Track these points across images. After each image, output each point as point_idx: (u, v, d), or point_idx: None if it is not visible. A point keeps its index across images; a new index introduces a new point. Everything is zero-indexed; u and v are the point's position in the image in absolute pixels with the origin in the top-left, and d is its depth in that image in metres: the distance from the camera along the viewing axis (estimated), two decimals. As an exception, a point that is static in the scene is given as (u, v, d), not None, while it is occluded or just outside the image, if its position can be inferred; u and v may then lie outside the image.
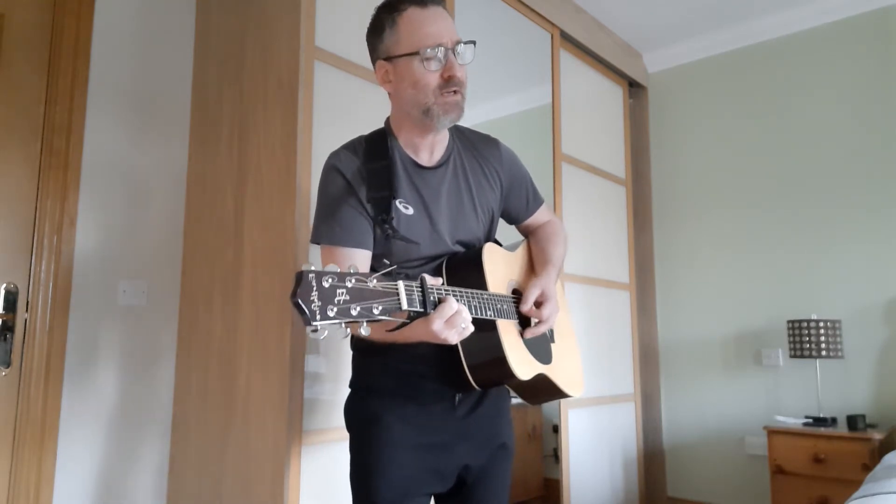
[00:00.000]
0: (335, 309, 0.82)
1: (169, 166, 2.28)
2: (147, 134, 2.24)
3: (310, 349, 1.85)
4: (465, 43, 1.23)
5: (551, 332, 1.44)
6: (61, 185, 2.00)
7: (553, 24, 3.05)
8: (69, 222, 2.01)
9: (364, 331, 0.86)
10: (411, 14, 1.20)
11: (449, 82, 1.20)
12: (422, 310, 0.98)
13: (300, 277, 0.80)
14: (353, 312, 0.83)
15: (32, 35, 2.03)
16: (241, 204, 2.05)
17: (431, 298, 1.00)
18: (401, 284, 0.93)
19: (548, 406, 3.16)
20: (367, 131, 1.37)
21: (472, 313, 1.08)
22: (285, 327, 1.80)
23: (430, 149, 1.31)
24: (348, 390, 1.37)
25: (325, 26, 2.01)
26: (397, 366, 1.27)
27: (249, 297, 1.96)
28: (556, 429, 2.88)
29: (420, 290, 0.99)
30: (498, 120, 2.98)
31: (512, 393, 1.44)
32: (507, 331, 1.23)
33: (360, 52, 2.12)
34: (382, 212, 1.20)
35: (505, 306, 1.25)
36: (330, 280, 0.83)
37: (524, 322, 1.31)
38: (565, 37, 3.15)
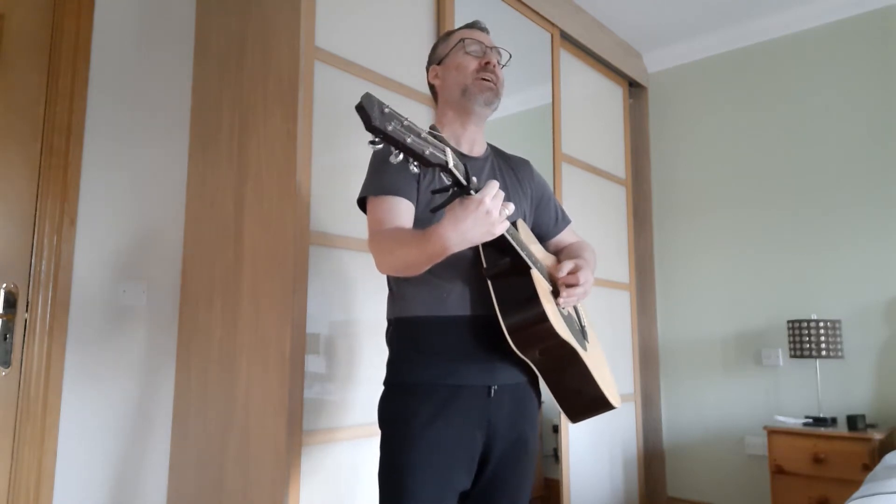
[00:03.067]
0: (391, 127, 0.89)
1: (169, 166, 2.28)
2: (147, 134, 2.24)
3: (310, 349, 1.85)
4: (503, 50, 1.47)
5: (584, 330, 1.45)
6: (61, 185, 2.00)
7: (553, 24, 3.05)
8: (69, 222, 2.01)
9: (414, 168, 0.95)
10: (462, 30, 1.47)
11: (485, 68, 1.39)
12: (464, 182, 1.02)
13: (365, 95, 0.89)
14: (407, 140, 0.91)
15: (32, 35, 2.03)
16: (241, 204, 2.05)
17: (473, 185, 1.04)
18: (449, 150, 0.99)
19: (548, 406, 3.15)
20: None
21: (508, 235, 1.14)
22: (285, 327, 1.80)
23: (470, 142, 1.44)
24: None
25: (325, 26, 2.01)
26: (433, 358, 1.28)
27: (249, 297, 1.96)
28: (556, 429, 2.88)
29: (465, 167, 1.03)
30: (498, 120, 2.97)
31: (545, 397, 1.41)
32: (540, 282, 1.25)
33: (359, 52, 2.12)
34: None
35: (539, 265, 1.28)
36: (389, 109, 0.90)
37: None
38: (565, 37, 3.15)
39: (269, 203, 1.94)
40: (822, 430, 2.74)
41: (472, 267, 1.27)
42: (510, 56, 1.48)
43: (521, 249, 1.19)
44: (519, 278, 1.21)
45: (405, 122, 0.91)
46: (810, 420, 2.90)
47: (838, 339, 2.90)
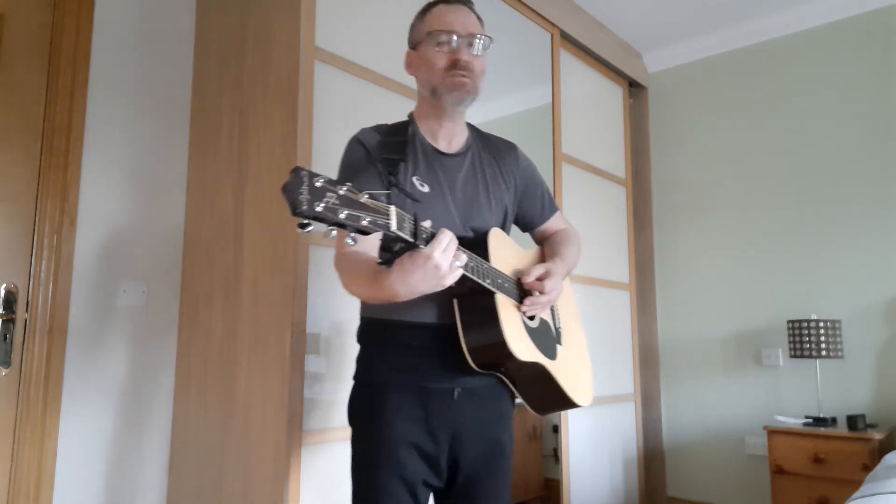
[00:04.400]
0: (322, 206, 0.83)
1: (169, 166, 2.28)
2: (147, 134, 2.24)
3: (310, 349, 1.85)
4: (480, 37, 1.33)
5: (559, 333, 1.44)
6: (61, 185, 2.00)
7: (553, 24, 3.05)
8: (69, 222, 2.01)
9: (350, 240, 0.89)
10: (438, 8, 1.35)
11: (455, 65, 1.29)
12: (411, 239, 0.98)
13: (293, 171, 0.82)
14: (341, 215, 0.85)
15: (32, 35, 2.03)
16: (241, 204, 2.05)
17: (423, 235, 1.01)
18: (393, 208, 0.94)
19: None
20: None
21: (468, 271, 1.12)
22: (285, 327, 1.80)
23: (448, 138, 1.39)
24: (349, 390, 1.38)
25: (325, 26, 2.01)
26: (399, 359, 1.29)
27: (249, 297, 1.96)
28: (556, 429, 2.88)
29: (412, 220, 0.99)
30: (498, 120, 2.97)
31: (519, 399, 1.42)
32: (505, 305, 1.24)
33: (360, 52, 2.12)
34: (391, 169, 1.24)
35: (506, 284, 1.27)
36: (322, 182, 0.84)
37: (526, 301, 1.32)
38: (565, 37, 3.15)
39: (269, 203, 1.94)
40: (822, 430, 2.74)
41: None
42: (491, 40, 1.36)
43: (484, 278, 1.18)
44: (483, 300, 1.21)
45: (341, 192, 0.85)
46: (810, 420, 2.90)
47: (838, 339, 2.90)
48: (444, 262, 1.01)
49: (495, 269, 1.24)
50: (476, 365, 1.23)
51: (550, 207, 1.55)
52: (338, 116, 2.00)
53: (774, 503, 2.79)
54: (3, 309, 1.89)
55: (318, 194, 0.83)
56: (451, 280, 1.05)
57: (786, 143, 3.33)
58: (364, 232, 0.89)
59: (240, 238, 2.03)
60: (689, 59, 3.71)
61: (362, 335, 1.38)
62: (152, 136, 2.25)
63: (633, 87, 3.80)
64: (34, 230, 1.96)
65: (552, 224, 1.56)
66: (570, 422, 2.90)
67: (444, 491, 1.33)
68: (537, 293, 1.30)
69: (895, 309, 2.94)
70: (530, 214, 1.52)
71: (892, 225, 2.99)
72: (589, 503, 2.96)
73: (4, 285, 1.90)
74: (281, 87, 1.95)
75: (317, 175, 0.84)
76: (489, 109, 3.02)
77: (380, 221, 0.90)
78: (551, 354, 1.36)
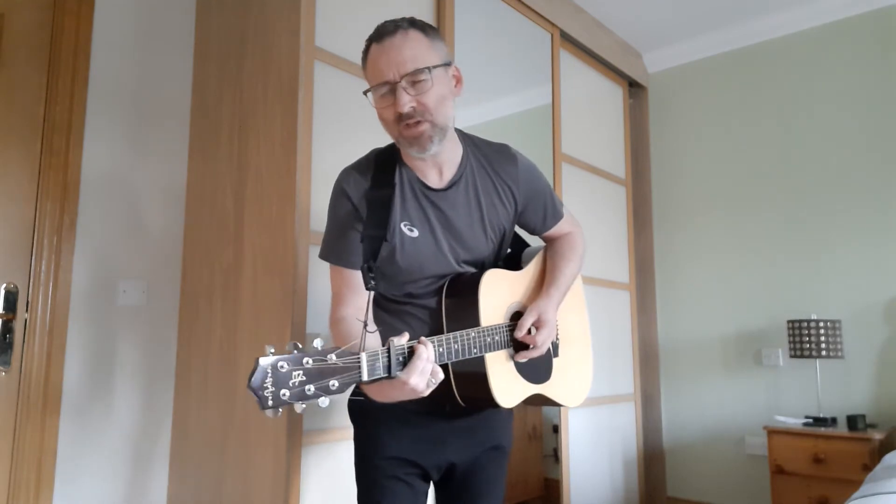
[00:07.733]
0: (288, 393, 0.85)
1: (169, 166, 2.28)
2: (147, 134, 2.24)
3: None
4: (422, 70, 1.16)
5: (556, 346, 1.44)
6: (61, 186, 2.00)
7: (553, 24, 3.05)
8: (69, 222, 2.01)
9: (322, 403, 0.90)
10: (371, 51, 1.22)
11: (401, 118, 1.17)
12: (385, 374, 1.00)
13: (255, 365, 0.84)
14: (308, 392, 0.87)
15: (32, 35, 2.03)
16: (241, 204, 2.05)
17: (399, 359, 1.02)
18: (363, 357, 0.95)
19: (547, 406, 3.15)
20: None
21: (452, 357, 1.14)
22: (285, 327, 1.80)
23: (437, 170, 1.28)
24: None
25: (325, 26, 2.01)
26: None
27: (249, 297, 1.96)
28: (556, 429, 2.88)
29: (387, 354, 1.00)
30: (498, 120, 2.98)
31: None
32: (495, 360, 1.26)
33: (360, 52, 2.11)
34: (371, 254, 1.21)
35: (497, 337, 1.26)
36: (286, 365, 0.86)
37: (522, 345, 1.31)
38: (565, 37, 3.15)
39: (269, 203, 1.94)
40: (822, 430, 2.74)
41: (432, 320, 1.30)
42: (448, 65, 1.23)
43: (470, 351, 1.18)
44: (472, 361, 1.22)
45: (308, 366, 0.87)
46: (810, 420, 2.90)
47: (838, 339, 2.90)
48: (422, 383, 1.03)
49: (482, 330, 1.22)
50: (467, 407, 1.27)
51: (553, 216, 1.48)
52: (338, 116, 2.00)
53: (774, 503, 2.79)
54: (3, 309, 1.89)
55: (282, 381, 0.85)
56: (429, 391, 1.06)
57: (786, 143, 3.33)
58: (333, 393, 0.91)
59: (240, 238, 2.03)
60: (689, 59, 3.70)
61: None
62: (152, 136, 2.25)
63: (633, 87, 3.80)
64: (34, 230, 1.96)
65: (559, 228, 1.52)
66: (570, 422, 2.90)
67: (442, 483, 1.38)
68: (531, 345, 1.30)
69: (895, 309, 2.94)
70: (532, 225, 1.48)
71: (892, 225, 2.99)
72: (589, 503, 2.96)
73: (4, 285, 1.91)
74: (281, 87, 1.95)
75: (280, 360, 0.85)
76: (489, 109, 3.03)
77: (350, 377, 0.93)
78: (545, 376, 1.37)
